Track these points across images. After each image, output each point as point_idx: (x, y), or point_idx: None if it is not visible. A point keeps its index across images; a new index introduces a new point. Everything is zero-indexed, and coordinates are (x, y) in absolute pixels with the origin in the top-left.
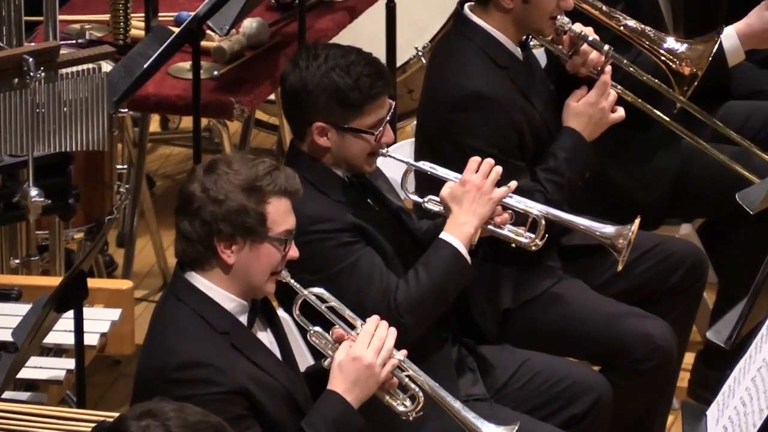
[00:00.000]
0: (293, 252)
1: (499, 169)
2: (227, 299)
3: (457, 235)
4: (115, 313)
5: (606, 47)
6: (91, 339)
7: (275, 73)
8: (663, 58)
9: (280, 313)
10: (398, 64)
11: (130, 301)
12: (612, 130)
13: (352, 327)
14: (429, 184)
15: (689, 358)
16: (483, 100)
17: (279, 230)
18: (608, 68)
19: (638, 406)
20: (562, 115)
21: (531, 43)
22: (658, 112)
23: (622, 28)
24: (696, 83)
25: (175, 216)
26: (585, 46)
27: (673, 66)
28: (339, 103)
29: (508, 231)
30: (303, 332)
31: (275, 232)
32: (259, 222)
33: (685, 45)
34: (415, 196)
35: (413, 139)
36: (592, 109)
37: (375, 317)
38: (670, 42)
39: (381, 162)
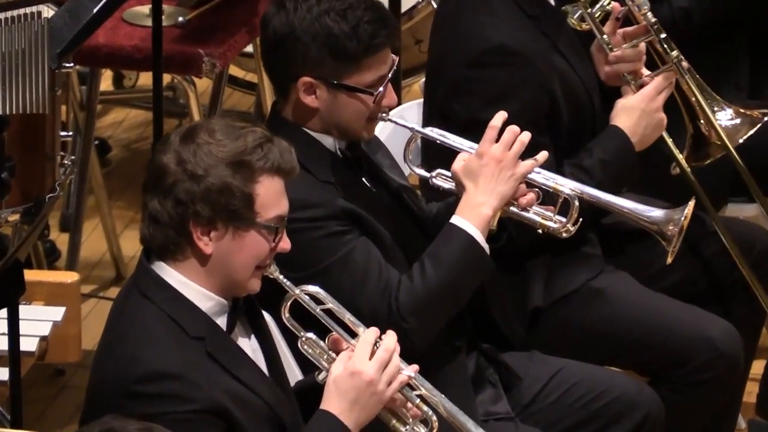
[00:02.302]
0: (284, 243)
1: (525, 137)
2: (203, 297)
3: (472, 219)
4: (57, 312)
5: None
6: (28, 344)
7: (253, 19)
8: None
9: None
10: (403, 9)
11: (76, 297)
12: None
13: (353, 335)
14: (438, 156)
15: (758, 367)
16: (509, 55)
17: (269, 216)
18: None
19: (696, 425)
20: (613, 111)
21: None
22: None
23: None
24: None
25: (143, 193)
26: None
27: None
28: (332, 53)
29: (533, 214)
30: (291, 339)
31: (264, 217)
32: (245, 205)
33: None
34: (420, 170)
35: (421, 101)
36: (648, 104)
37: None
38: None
39: (381, 131)
